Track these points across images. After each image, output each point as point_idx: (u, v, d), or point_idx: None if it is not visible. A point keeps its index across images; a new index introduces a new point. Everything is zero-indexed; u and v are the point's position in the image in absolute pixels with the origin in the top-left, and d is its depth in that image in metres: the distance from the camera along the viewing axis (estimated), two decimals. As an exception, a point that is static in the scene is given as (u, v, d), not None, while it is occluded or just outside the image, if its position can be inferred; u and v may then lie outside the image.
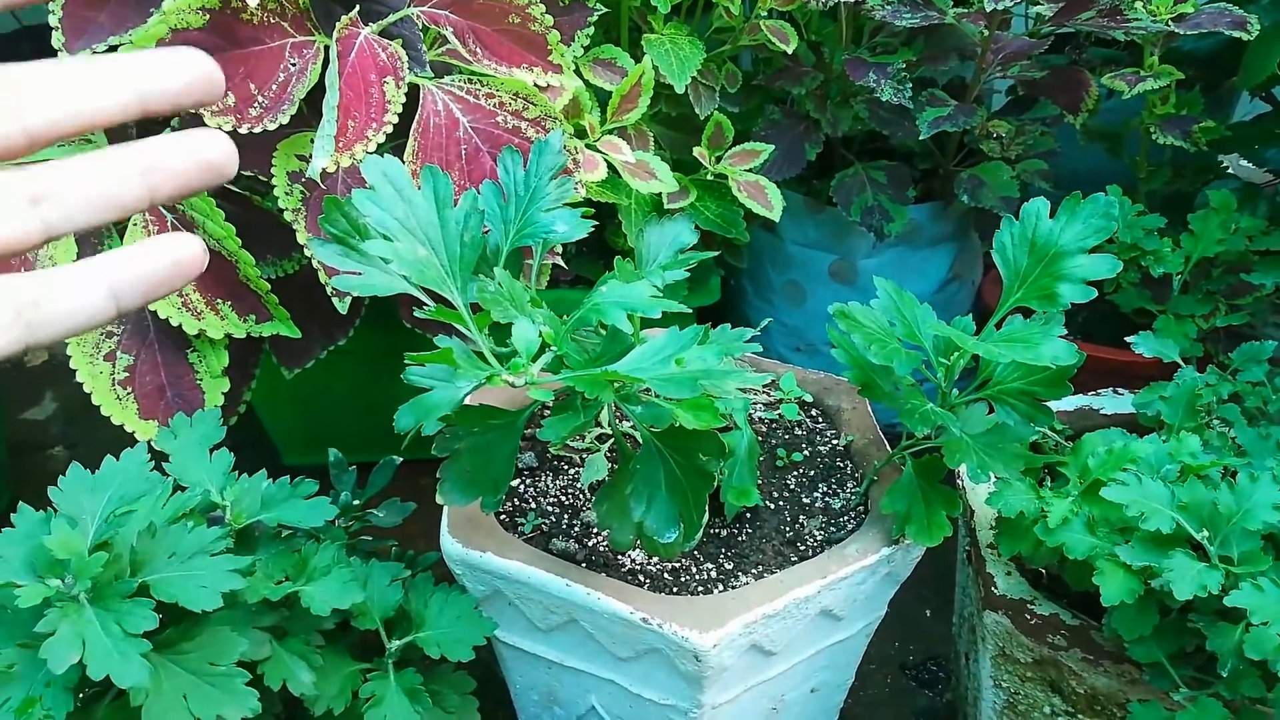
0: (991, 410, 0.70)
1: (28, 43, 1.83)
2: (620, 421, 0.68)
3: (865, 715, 0.97)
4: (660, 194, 0.98)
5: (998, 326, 0.66)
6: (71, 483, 0.56)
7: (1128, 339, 0.78)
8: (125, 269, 0.32)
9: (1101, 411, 0.88)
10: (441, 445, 0.64)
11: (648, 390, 0.62)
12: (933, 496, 0.68)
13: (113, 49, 0.68)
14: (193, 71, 0.33)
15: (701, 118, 0.99)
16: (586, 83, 0.90)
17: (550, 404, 0.64)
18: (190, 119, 0.68)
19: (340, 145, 0.67)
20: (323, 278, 0.74)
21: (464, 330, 0.55)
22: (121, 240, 0.75)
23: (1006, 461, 0.65)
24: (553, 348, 0.58)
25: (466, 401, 0.62)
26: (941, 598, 1.06)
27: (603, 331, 0.65)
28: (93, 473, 0.58)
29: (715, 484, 0.58)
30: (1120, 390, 0.91)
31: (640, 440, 0.61)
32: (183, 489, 0.63)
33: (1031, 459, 0.67)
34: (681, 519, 0.59)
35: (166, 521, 0.57)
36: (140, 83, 0.32)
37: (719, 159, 1.00)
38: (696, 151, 0.99)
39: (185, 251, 0.33)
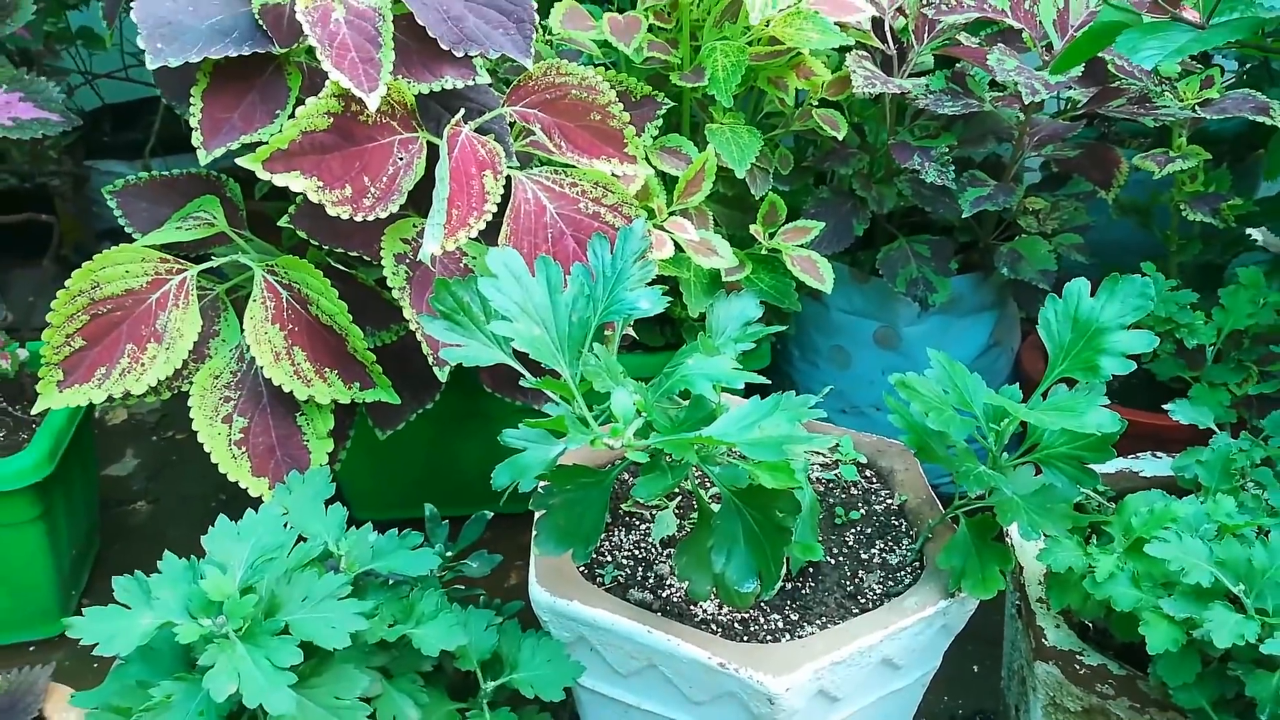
0: (1038, 472, 0.75)
1: (110, 119, 1.97)
2: (703, 483, 0.74)
3: (918, 766, 1.00)
4: (719, 268, 1.05)
5: (1044, 396, 0.73)
6: (220, 533, 0.63)
7: (1165, 406, 0.83)
8: None
9: (1141, 474, 0.93)
10: (538, 501, 0.71)
11: (727, 453, 0.69)
12: (986, 552, 0.73)
13: (247, 147, 0.77)
14: None
15: (756, 198, 1.07)
16: (654, 169, 0.98)
17: (635, 464, 0.71)
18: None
19: (445, 233, 0.75)
20: (425, 349, 0.81)
21: (568, 398, 0.62)
22: (240, 319, 0.84)
23: (1055, 520, 0.70)
24: (643, 414, 0.64)
25: (560, 462, 0.69)
26: (988, 654, 1.09)
27: (679, 400, 0.72)
28: (174, 535, 0.65)
29: (791, 538, 0.63)
30: (1159, 454, 0.96)
31: (720, 498, 0.67)
32: (303, 540, 0.70)
33: (1078, 518, 0.73)
34: (760, 571, 0.64)
35: (296, 569, 0.64)
36: None
37: (772, 235, 1.08)
38: (753, 229, 1.07)
39: None
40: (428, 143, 0.83)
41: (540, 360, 0.62)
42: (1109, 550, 0.69)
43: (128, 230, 0.92)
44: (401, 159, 0.80)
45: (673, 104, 0.99)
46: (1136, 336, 0.69)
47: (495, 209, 0.78)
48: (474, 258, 0.87)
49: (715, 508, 0.69)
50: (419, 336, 0.81)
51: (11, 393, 1.22)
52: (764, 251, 1.09)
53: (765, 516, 0.64)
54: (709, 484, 0.86)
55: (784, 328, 0.90)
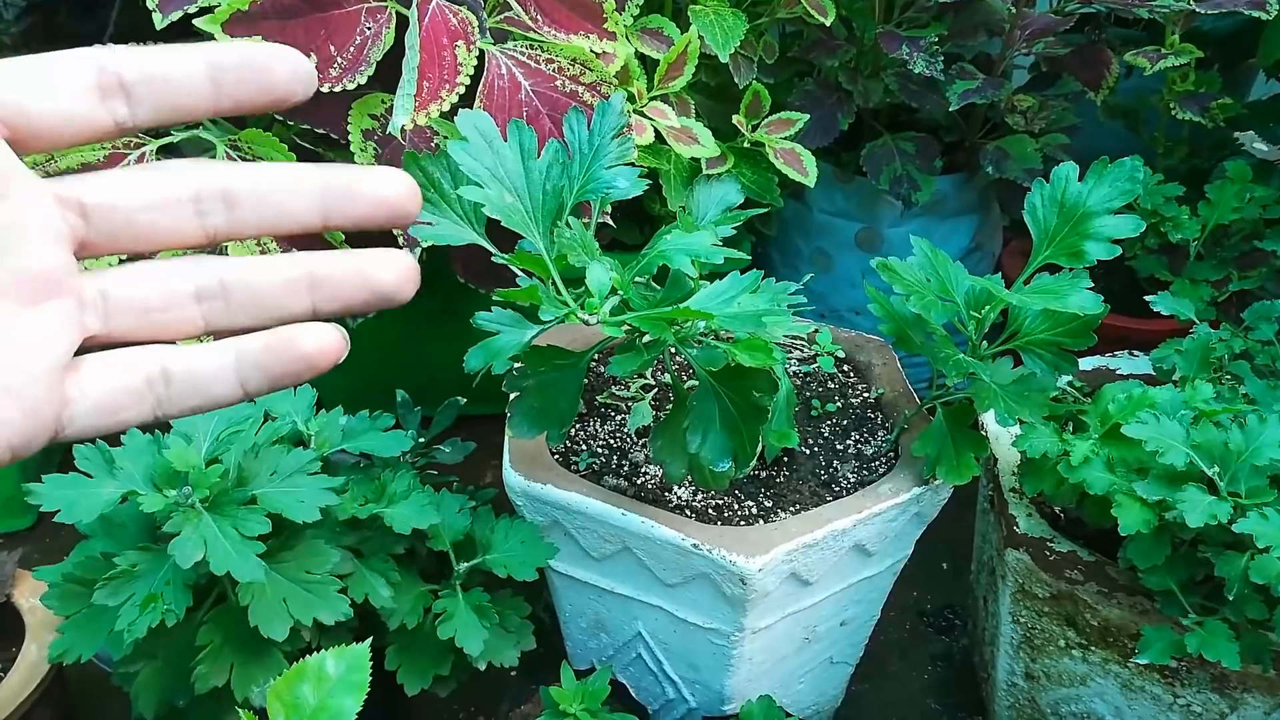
0: (1017, 364, 0.75)
1: (66, 8, 1.88)
2: (670, 369, 0.73)
3: (885, 656, 1.03)
4: (699, 160, 1.03)
5: (1026, 283, 0.72)
6: (183, 405, 0.61)
7: (1146, 298, 0.83)
8: (256, 356, 0.31)
9: (1118, 371, 0.93)
10: (511, 383, 0.69)
11: (702, 337, 0.68)
12: (962, 440, 0.73)
13: (203, 10, 0.73)
14: (391, 193, 0.31)
15: (740, 87, 1.04)
16: (635, 52, 0.94)
17: (609, 348, 0.69)
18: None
19: (416, 105, 0.72)
20: (395, 230, 0.79)
21: (542, 273, 0.60)
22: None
23: (1032, 408, 0.70)
24: (619, 292, 0.63)
25: (535, 343, 0.67)
26: (956, 553, 1.11)
27: (655, 286, 0.71)
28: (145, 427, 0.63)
29: (769, 418, 0.63)
30: (1135, 353, 0.96)
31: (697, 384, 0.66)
32: (273, 419, 0.69)
33: (1055, 407, 0.72)
34: (735, 451, 0.64)
35: (264, 444, 0.62)
36: (330, 198, 0.31)
37: (755, 127, 1.05)
38: (735, 119, 1.04)
39: (320, 343, 0.31)
40: (397, 13, 0.79)
41: (513, 229, 0.60)
42: (1085, 437, 0.69)
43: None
44: (369, 28, 0.76)
45: (655, -17, 0.95)
46: (1123, 221, 0.67)
47: (468, 82, 0.75)
48: (445, 137, 0.83)
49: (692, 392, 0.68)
50: (389, 216, 0.78)
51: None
52: (746, 145, 1.06)
53: (741, 397, 0.63)
54: (686, 375, 0.85)
55: (766, 208, 0.87)
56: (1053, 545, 0.75)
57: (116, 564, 0.56)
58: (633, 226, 1.16)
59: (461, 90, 0.75)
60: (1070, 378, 0.85)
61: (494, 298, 0.59)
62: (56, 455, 1.23)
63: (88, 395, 0.29)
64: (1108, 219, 0.68)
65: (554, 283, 0.60)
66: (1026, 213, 0.71)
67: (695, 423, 0.65)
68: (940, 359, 0.69)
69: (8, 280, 0.27)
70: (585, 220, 0.77)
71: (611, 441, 0.83)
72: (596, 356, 0.87)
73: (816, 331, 0.88)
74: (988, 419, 0.86)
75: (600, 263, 0.61)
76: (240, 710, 0.64)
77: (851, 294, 1.29)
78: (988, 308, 0.71)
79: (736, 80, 1.03)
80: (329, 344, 0.31)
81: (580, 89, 0.82)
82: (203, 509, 0.56)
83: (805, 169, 1.02)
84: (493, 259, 0.65)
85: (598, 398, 0.87)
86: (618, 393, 0.88)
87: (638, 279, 0.67)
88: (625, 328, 0.63)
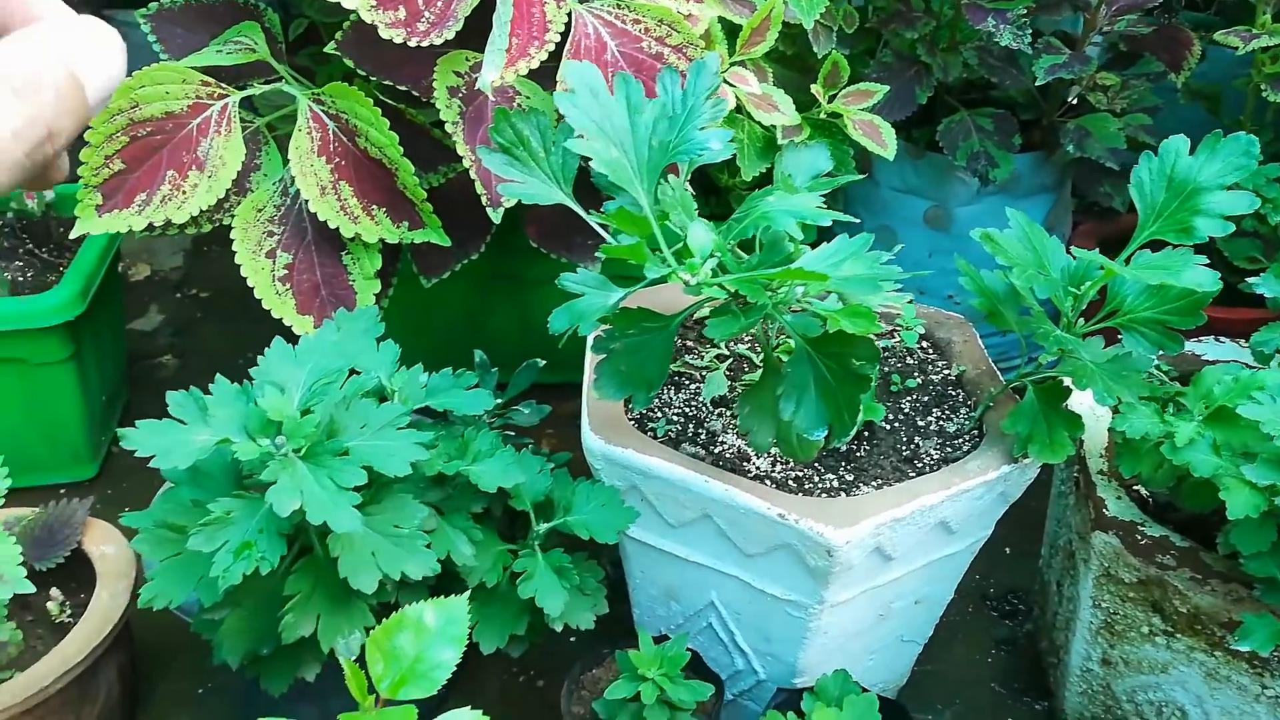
0: (1109, 344, 0.73)
1: None
2: (759, 336, 0.71)
3: (949, 640, 1.01)
4: (773, 129, 1.01)
5: (1127, 261, 0.69)
6: (275, 354, 0.60)
7: (1249, 280, 0.80)
8: None
9: (1204, 357, 0.90)
10: (598, 345, 0.69)
11: (800, 301, 0.66)
12: (1055, 418, 0.71)
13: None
14: None
15: (819, 56, 1.02)
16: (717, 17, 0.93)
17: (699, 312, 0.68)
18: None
19: (506, 60, 0.70)
20: (479, 188, 0.78)
21: (644, 231, 0.59)
22: (281, 153, 0.80)
23: (1131, 387, 0.68)
24: (716, 254, 0.61)
25: (624, 305, 0.66)
26: (1022, 537, 1.09)
27: (741, 253, 0.69)
28: (201, 389, 0.60)
29: (870, 386, 0.61)
30: (1221, 338, 0.93)
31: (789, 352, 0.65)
32: (356, 373, 0.68)
33: (1154, 387, 0.70)
34: (831, 419, 0.62)
35: (354, 396, 0.62)
36: None
37: (833, 97, 1.03)
38: (814, 89, 1.02)
39: None
40: (486, -32, 0.78)
41: (618, 185, 0.59)
42: (1187, 418, 0.67)
43: (163, 57, 0.87)
44: (459, -18, 0.75)
45: (740, -54, 0.93)
46: (1236, 197, 0.65)
47: (557, 39, 0.74)
48: (528, 97, 0.82)
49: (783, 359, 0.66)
50: (473, 174, 0.77)
51: (39, 235, 1.20)
52: (822, 116, 1.04)
53: (840, 364, 0.62)
54: (757, 348, 0.83)
55: (860, 176, 0.86)
56: (1144, 529, 0.73)
57: (210, 510, 0.56)
58: (699, 197, 1.15)
59: (551, 47, 0.73)
60: (1156, 360, 0.83)
61: (600, 254, 0.58)
62: (115, 416, 1.24)
63: None
64: (1220, 194, 0.66)
65: (657, 241, 0.59)
66: (1133, 186, 0.69)
67: (789, 390, 0.63)
68: (1039, 335, 0.68)
69: None
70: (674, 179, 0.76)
71: (687, 410, 0.82)
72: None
73: (909, 302, 0.87)
74: (1073, 400, 0.84)
75: (701, 223, 0.59)
76: (325, 659, 0.64)
77: (955, 258, 1.26)
78: (1088, 284, 0.69)
79: (815, 49, 1.01)
80: None
81: (666, 50, 0.81)
82: (297, 459, 0.56)
83: (884, 141, 1.00)
84: (588, 215, 0.63)
85: (671, 365, 0.86)
86: (691, 361, 0.87)
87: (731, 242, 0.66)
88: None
